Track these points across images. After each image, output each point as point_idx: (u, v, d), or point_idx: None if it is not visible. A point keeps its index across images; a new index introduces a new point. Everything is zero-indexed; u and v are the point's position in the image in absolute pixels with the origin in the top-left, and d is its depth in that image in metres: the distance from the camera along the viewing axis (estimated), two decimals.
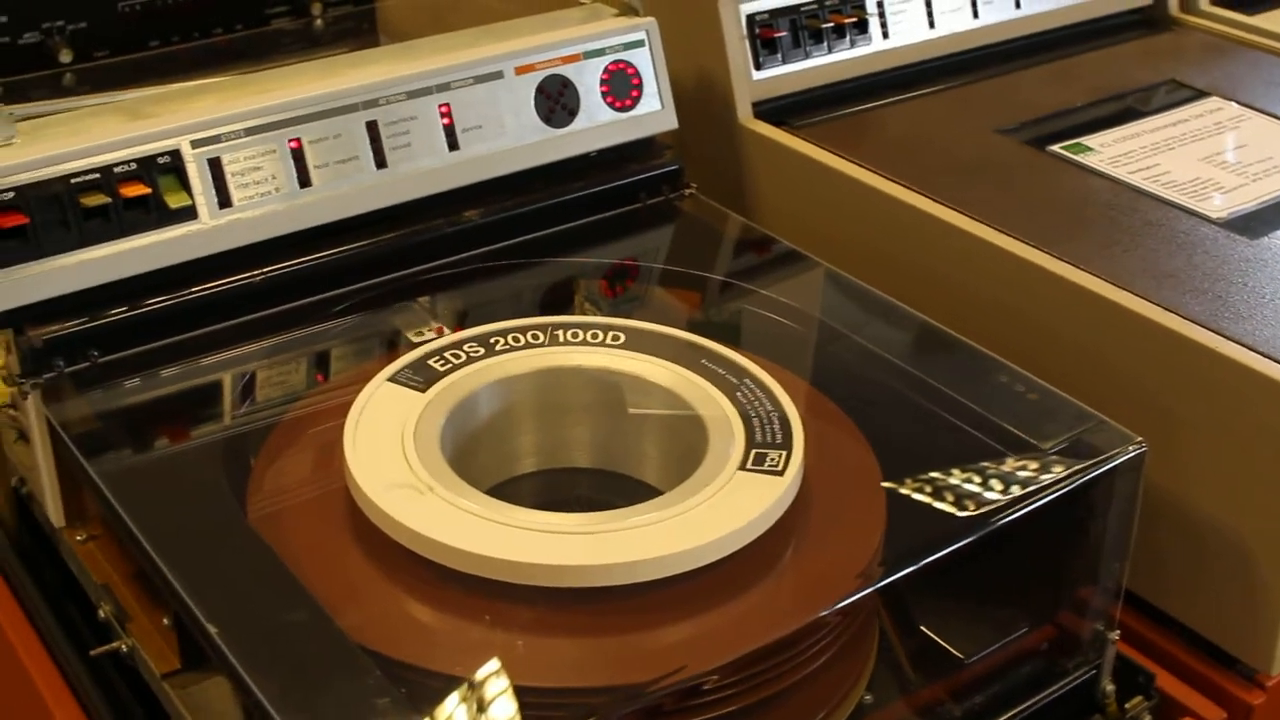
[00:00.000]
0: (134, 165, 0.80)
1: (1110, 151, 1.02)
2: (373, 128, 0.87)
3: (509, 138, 0.91)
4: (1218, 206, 0.95)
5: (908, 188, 0.95)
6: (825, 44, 1.08)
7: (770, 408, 0.74)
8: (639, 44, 0.96)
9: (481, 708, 0.58)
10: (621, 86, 0.95)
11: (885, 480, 0.73)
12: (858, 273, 0.90)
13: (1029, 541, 0.74)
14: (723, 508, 0.67)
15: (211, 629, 0.61)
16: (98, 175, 0.79)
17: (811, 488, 0.71)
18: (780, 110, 1.06)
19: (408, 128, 0.88)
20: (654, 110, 0.97)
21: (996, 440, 0.76)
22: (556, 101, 0.93)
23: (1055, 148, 1.03)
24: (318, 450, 0.74)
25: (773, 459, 0.70)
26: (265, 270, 0.84)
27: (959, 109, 1.10)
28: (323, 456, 0.73)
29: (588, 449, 0.80)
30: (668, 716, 0.62)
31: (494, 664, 0.60)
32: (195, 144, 0.81)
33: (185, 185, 0.81)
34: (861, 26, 1.10)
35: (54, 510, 0.81)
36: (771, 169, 1.03)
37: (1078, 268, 0.86)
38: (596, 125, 0.95)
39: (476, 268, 0.90)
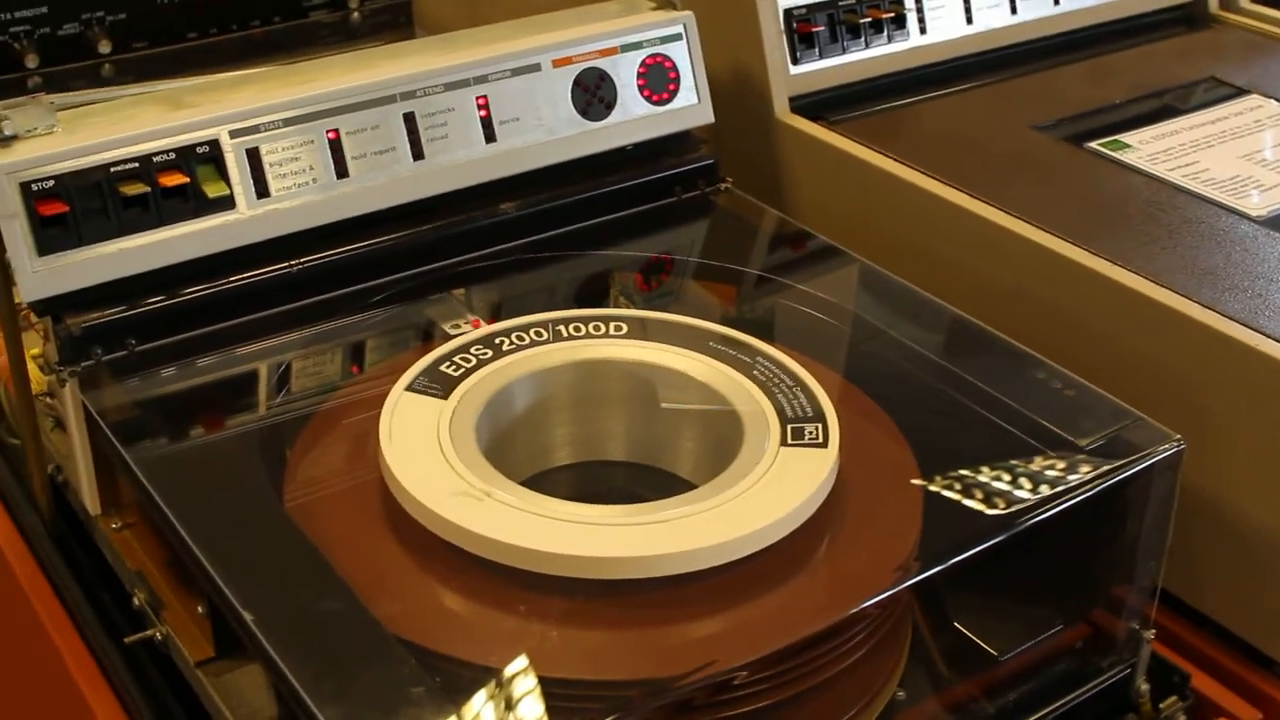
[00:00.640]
0: (173, 155, 0.80)
1: (1149, 149, 1.02)
2: (410, 119, 0.87)
3: (545, 130, 0.91)
4: (1256, 204, 0.94)
5: (945, 183, 0.95)
6: (862, 39, 1.08)
7: (791, 383, 0.74)
8: (676, 38, 0.96)
9: (509, 706, 0.58)
10: (658, 80, 0.95)
11: (922, 475, 0.72)
12: (894, 268, 0.89)
13: (1065, 539, 0.73)
14: (764, 495, 0.67)
15: (248, 616, 0.61)
16: (137, 164, 0.79)
17: (848, 481, 0.71)
18: (817, 105, 1.05)
19: (445, 119, 0.88)
20: (690, 104, 0.97)
21: (1033, 437, 0.75)
22: (593, 94, 0.93)
23: (1093, 144, 1.02)
24: (354, 440, 0.74)
25: (811, 431, 0.70)
26: (302, 260, 0.84)
27: (996, 105, 1.09)
28: (359, 446, 0.73)
29: (621, 442, 0.80)
30: (699, 711, 0.62)
31: (522, 661, 0.60)
32: (234, 134, 0.82)
33: (223, 175, 0.81)
34: (899, 22, 1.09)
35: (89, 498, 0.81)
36: (808, 164, 1.02)
37: (1116, 264, 0.85)
38: (633, 119, 0.95)
39: (512, 260, 0.90)
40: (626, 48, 0.94)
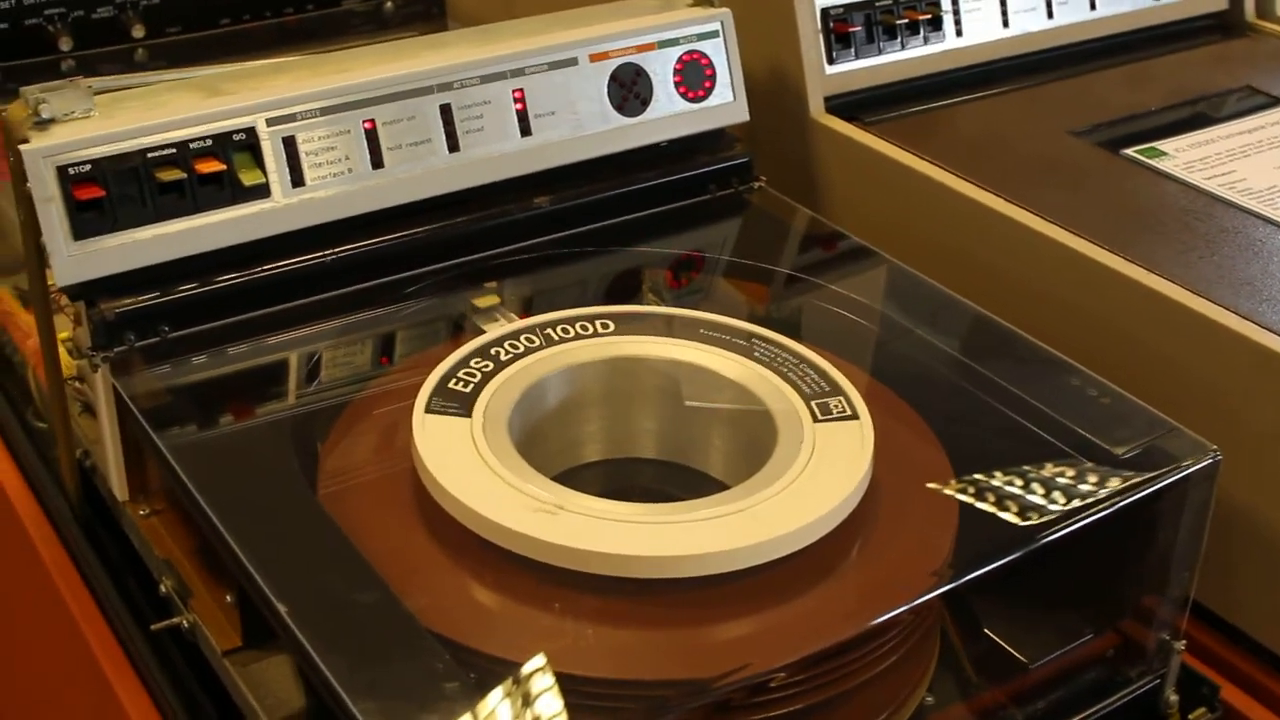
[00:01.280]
0: (209, 141, 0.80)
1: (1185, 156, 1.01)
2: (446, 111, 0.87)
3: (580, 125, 0.91)
4: None
5: (980, 186, 0.94)
6: (899, 40, 1.07)
7: (797, 360, 0.75)
8: (713, 35, 0.95)
9: (527, 702, 0.58)
10: (695, 77, 0.95)
11: (956, 479, 0.72)
12: (927, 270, 0.89)
13: (1097, 548, 0.73)
14: (801, 494, 0.67)
15: (282, 608, 0.61)
16: (173, 150, 0.79)
17: (881, 483, 0.70)
18: (852, 105, 1.05)
19: (481, 112, 0.88)
20: (726, 102, 0.96)
21: (1068, 444, 0.75)
22: (629, 90, 0.92)
23: (1129, 151, 1.02)
24: (387, 431, 0.74)
25: (836, 405, 0.70)
26: (336, 250, 0.83)
27: (1032, 109, 1.09)
28: (391, 438, 0.73)
29: (651, 439, 0.80)
30: (733, 712, 0.62)
31: (539, 659, 0.59)
32: (270, 122, 0.81)
33: (259, 163, 0.81)
34: (935, 24, 1.09)
35: (118, 484, 0.81)
36: (842, 164, 1.02)
37: (1152, 272, 0.85)
38: (668, 115, 0.94)
39: (545, 254, 0.90)
40: (663, 44, 0.94)
